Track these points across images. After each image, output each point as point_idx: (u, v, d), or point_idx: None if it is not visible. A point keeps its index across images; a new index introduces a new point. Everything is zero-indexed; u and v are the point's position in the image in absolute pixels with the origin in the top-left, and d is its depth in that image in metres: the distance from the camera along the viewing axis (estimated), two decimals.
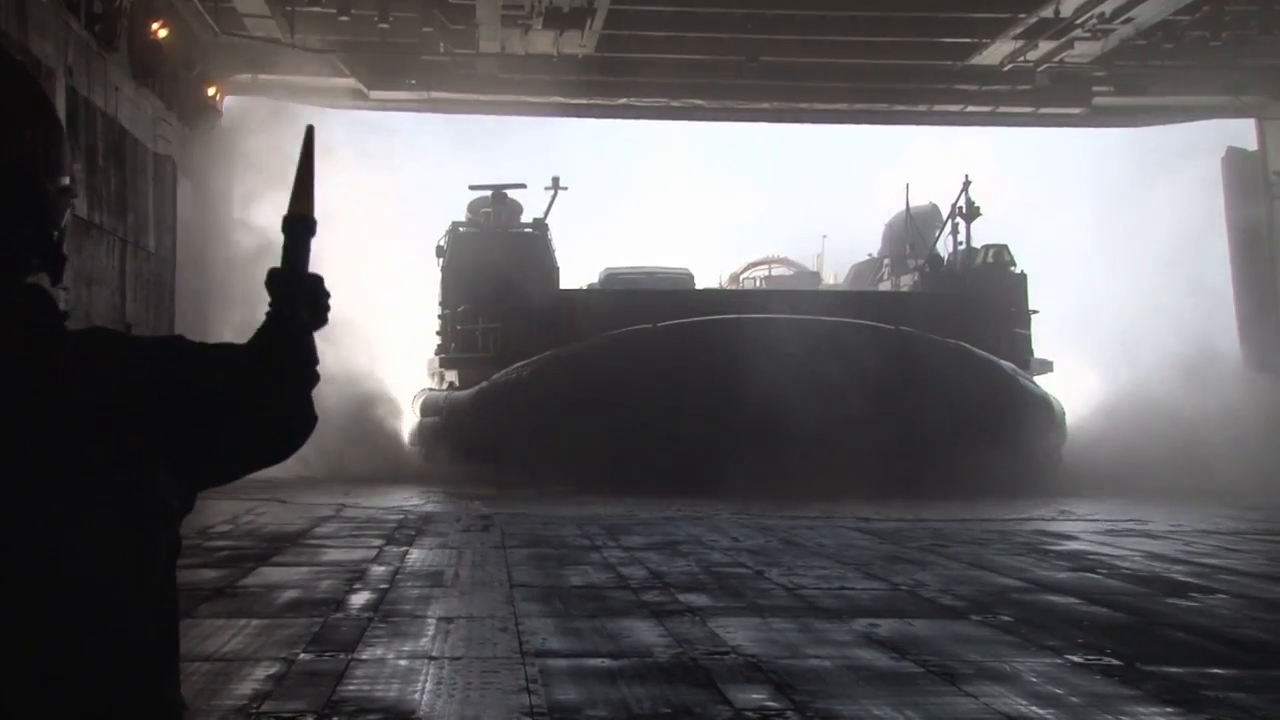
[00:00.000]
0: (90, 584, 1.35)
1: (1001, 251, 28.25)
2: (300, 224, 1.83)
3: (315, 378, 1.80)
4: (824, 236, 39.17)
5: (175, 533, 1.54)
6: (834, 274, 36.97)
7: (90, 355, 1.45)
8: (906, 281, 29.86)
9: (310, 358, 1.81)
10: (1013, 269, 28.19)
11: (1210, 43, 25.21)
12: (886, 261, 31.61)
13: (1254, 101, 28.65)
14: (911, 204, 30.89)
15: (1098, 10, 23.87)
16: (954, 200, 28.68)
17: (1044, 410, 24.78)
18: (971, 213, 28.50)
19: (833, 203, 63.88)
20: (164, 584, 1.50)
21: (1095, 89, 28.49)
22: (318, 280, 1.82)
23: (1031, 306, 28.01)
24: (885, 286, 31.03)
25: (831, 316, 24.02)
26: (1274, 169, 28.75)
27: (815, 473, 20.37)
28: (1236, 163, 30.05)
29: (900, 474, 20.90)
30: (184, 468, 1.52)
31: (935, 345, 23.59)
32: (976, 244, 28.68)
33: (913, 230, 30.14)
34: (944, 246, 29.42)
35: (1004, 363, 24.84)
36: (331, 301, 1.86)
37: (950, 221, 28.95)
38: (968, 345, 24.18)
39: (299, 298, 1.78)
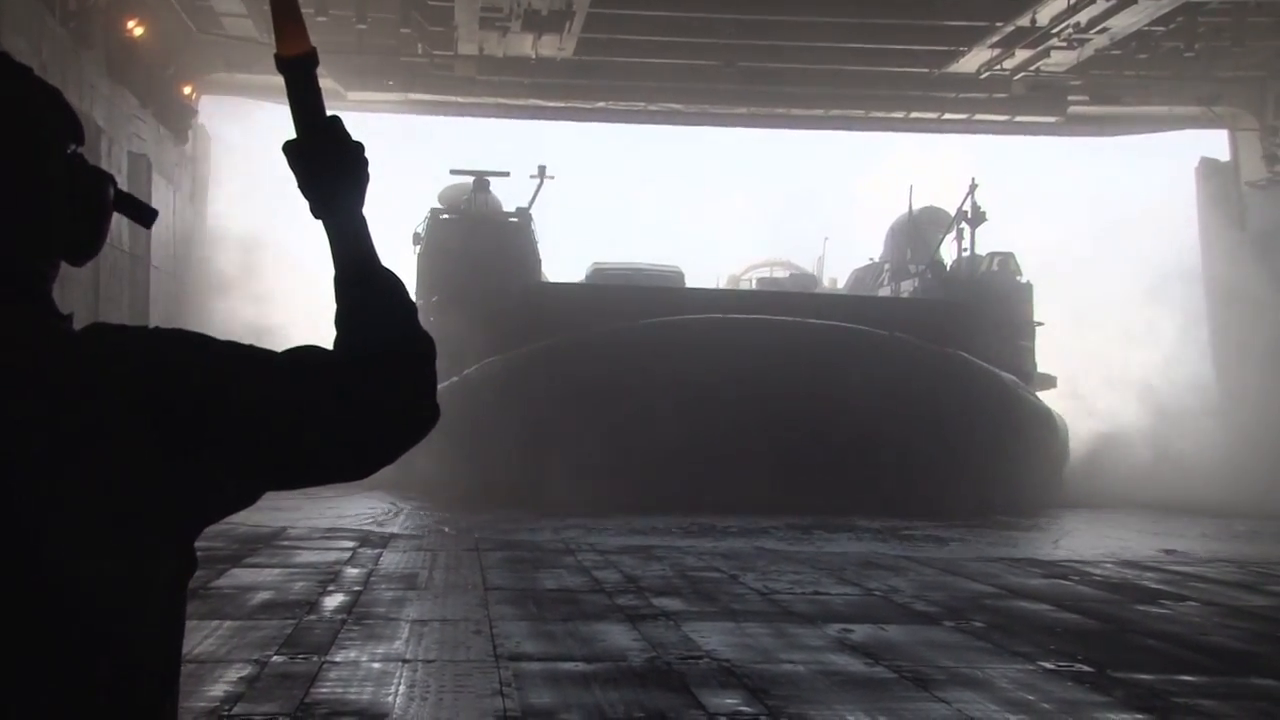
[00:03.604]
0: (82, 591, 1.31)
1: (1007, 260, 27.06)
2: (298, 64, 1.48)
3: (418, 344, 1.46)
4: (825, 239, 37.51)
5: (181, 543, 1.43)
6: (835, 278, 35.50)
7: (88, 355, 1.38)
8: (907, 287, 28.70)
9: (392, 299, 1.47)
10: (1018, 278, 26.96)
11: (1184, 54, 25.44)
12: (887, 266, 30.24)
13: (1227, 113, 28.91)
14: (915, 207, 29.49)
15: (1074, 20, 24.03)
16: (959, 204, 27.42)
17: (1046, 427, 23.88)
18: (977, 217, 27.17)
19: (834, 205, 63.08)
20: (168, 597, 1.40)
21: (1070, 98, 28.68)
22: (335, 124, 1.48)
23: (1036, 318, 26.77)
24: (885, 292, 29.50)
25: (824, 321, 23.21)
26: (1246, 180, 28.98)
27: (795, 488, 19.71)
28: (1209, 174, 30.30)
29: (889, 491, 20.05)
30: (197, 474, 1.39)
31: (932, 355, 22.75)
32: (981, 251, 27.53)
33: (915, 235, 29.00)
34: (948, 252, 28.28)
35: (1006, 375, 23.99)
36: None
37: (954, 227, 27.69)
38: (967, 355, 23.35)
39: (327, 158, 1.47)
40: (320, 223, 1.50)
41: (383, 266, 1.50)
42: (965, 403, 21.91)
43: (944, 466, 20.87)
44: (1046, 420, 24.27)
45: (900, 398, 21.12)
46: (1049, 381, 26.88)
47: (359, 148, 1.50)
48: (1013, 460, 21.50)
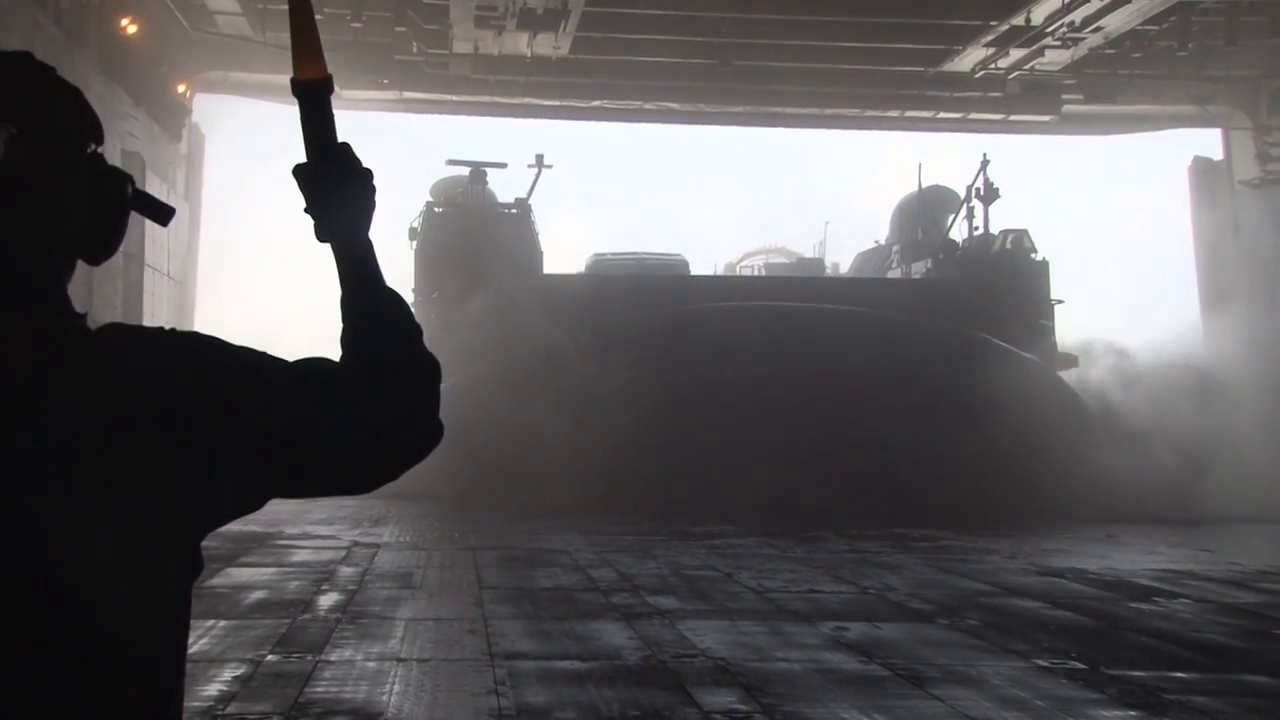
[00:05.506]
0: (82, 591, 1.31)
1: (1021, 237, 26.23)
2: (313, 89, 1.51)
3: (421, 362, 1.48)
4: (826, 223, 36.89)
5: (186, 545, 1.43)
6: (837, 263, 34.84)
7: (102, 355, 1.38)
8: (918, 269, 27.93)
9: (396, 319, 1.49)
10: (1033, 256, 26.12)
11: (1178, 53, 25.51)
12: (896, 248, 29.33)
13: (1220, 111, 28.99)
14: (923, 186, 28.78)
15: (1068, 19, 24.08)
16: (970, 182, 26.53)
17: (1075, 414, 22.54)
18: (990, 194, 26.30)
19: (831, 196, 63.02)
20: (171, 599, 1.41)
21: (1065, 97, 28.73)
22: (346, 149, 1.50)
23: (1055, 296, 25.91)
24: (896, 274, 28.69)
25: (836, 305, 22.80)
26: (1239, 178, 29.06)
27: (808, 491, 19.03)
28: (1203, 172, 30.37)
29: (905, 494, 19.11)
30: (204, 478, 1.39)
31: (955, 338, 22.21)
32: (994, 229, 26.50)
33: (925, 214, 28.33)
34: (959, 232, 27.57)
35: (1028, 356, 23.25)
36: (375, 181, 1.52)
37: (966, 204, 26.83)
38: (989, 337, 22.73)
39: (337, 183, 1.49)
40: (326, 244, 1.52)
41: (388, 288, 1.52)
42: (991, 389, 20.72)
43: (973, 465, 19.54)
44: (1075, 406, 23.23)
45: (922, 385, 20.41)
46: (1070, 360, 26.13)
47: (368, 174, 1.51)
48: (1042, 455, 20.01)
